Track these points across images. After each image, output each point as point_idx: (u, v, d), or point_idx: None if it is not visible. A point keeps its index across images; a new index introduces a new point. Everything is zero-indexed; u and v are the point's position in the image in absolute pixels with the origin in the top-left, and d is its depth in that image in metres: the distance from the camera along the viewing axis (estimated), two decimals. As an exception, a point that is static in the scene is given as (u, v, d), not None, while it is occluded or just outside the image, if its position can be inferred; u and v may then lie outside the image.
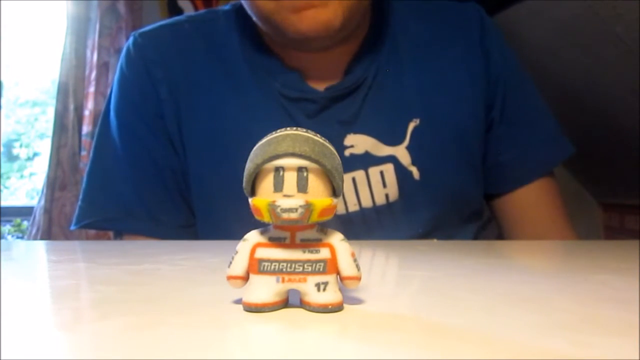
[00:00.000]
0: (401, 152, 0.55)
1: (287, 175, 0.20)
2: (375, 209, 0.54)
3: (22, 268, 0.36)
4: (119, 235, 0.58)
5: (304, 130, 0.21)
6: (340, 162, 0.22)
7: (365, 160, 0.54)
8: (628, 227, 1.59)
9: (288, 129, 0.21)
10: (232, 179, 0.55)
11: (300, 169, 0.21)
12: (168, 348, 0.17)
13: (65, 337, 0.19)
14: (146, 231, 0.56)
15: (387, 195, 0.54)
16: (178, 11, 1.54)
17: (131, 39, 0.59)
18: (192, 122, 0.56)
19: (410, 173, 0.55)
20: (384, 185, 0.54)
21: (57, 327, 0.20)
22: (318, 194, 0.21)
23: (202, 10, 0.69)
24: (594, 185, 1.66)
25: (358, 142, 0.54)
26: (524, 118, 0.60)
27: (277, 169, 0.21)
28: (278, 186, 0.20)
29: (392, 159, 0.54)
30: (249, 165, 0.21)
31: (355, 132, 0.54)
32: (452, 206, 0.57)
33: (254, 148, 0.22)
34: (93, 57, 1.41)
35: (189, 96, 0.56)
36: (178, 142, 0.56)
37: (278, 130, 0.21)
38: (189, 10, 1.53)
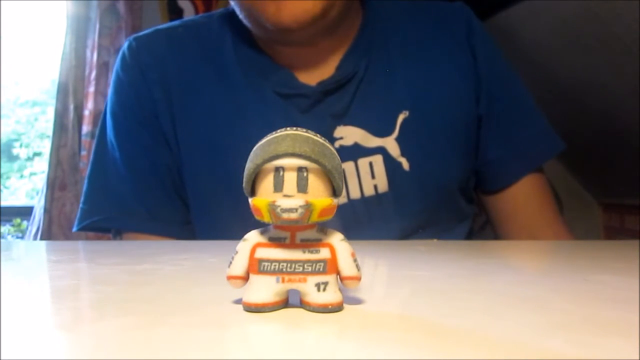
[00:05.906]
0: (390, 144, 0.55)
1: (287, 175, 0.20)
2: (364, 200, 0.55)
3: (22, 268, 0.36)
4: (118, 235, 0.59)
5: (304, 130, 0.21)
6: (340, 162, 0.22)
7: (355, 152, 0.54)
8: (628, 227, 1.59)
9: (288, 128, 0.21)
10: (228, 177, 0.55)
11: (300, 169, 0.20)
12: (168, 348, 0.17)
13: (65, 337, 0.19)
14: (145, 229, 0.57)
15: (375, 187, 0.55)
16: (178, 11, 1.54)
17: (126, 43, 0.61)
18: (187, 122, 0.56)
19: (400, 164, 0.55)
20: (373, 176, 0.55)
21: (57, 327, 0.20)
22: (318, 194, 0.21)
23: (196, 15, 0.70)
24: (594, 185, 1.66)
25: (347, 134, 0.55)
26: (511, 115, 0.61)
27: (277, 169, 0.20)
28: (278, 186, 0.20)
29: (381, 150, 0.55)
30: (249, 165, 0.21)
31: (345, 124, 0.55)
32: (442, 200, 0.58)
33: (254, 148, 0.22)
34: (93, 57, 1.41)
35: (183, 97, 0.57)
36: (173, 142, 0.57)
37: (278, 130, 0.21)
38: (189, 11, 1.53)
